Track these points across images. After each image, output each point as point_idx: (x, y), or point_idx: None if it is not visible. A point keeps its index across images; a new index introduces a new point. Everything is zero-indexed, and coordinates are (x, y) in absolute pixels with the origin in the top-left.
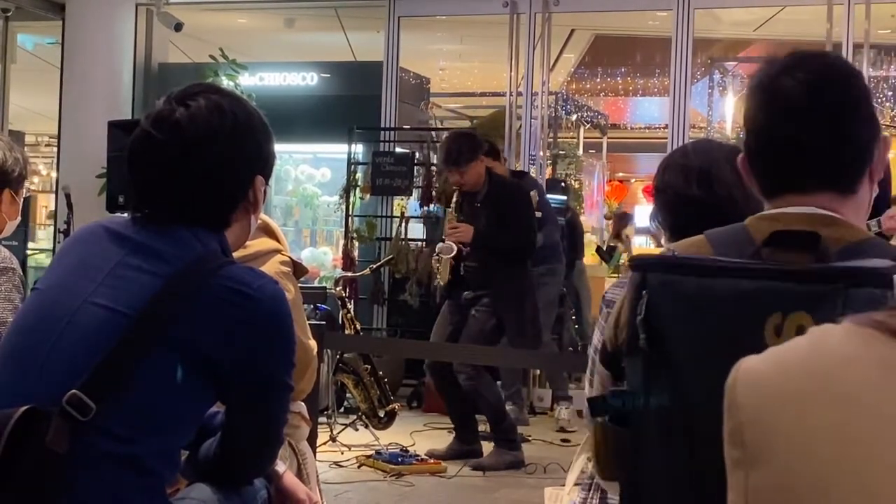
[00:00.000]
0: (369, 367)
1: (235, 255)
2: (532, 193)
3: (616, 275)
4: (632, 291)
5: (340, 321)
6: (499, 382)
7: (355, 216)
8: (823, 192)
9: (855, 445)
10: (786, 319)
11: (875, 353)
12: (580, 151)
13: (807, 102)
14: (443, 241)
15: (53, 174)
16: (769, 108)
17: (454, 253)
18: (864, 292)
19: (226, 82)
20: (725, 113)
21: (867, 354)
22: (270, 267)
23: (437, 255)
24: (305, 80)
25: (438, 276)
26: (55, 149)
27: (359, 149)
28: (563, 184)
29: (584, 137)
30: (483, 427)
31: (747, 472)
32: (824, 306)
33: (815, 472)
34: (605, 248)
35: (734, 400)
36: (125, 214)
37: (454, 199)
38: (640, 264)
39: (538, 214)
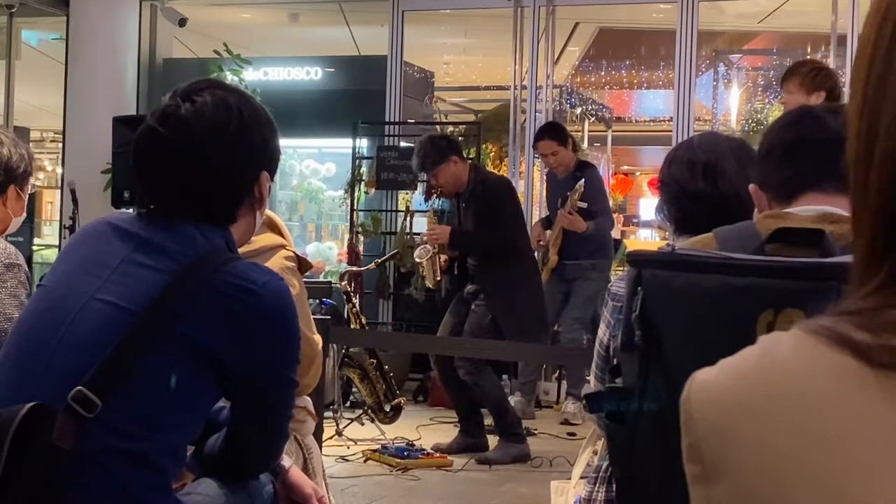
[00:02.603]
0: (375, 361)
1: (240, 250)
2: (578, 184)
3: (621, 268)
4: (629, 287)
5: (346, 316)
6: (504, 377)
7: (360, 211)
8: (844, 196)
9: (817, 448)
10: (778, 316)
11: (826, 360)
12: (585, 145)
13: (838, 127)
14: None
15: (59, 170)
16: (802, 121)
17: (429, 255)
18: None
19: (230, 77)
20: (730, 105)
21: (820, 362)
22: (275, 262)
23: (417, 259)
24: (310, 75)
25: (425, 278)
26: (60, 145)
27: (363, 143)
28: None
29: (589, 131)
30: (489, 421)
31: (707, 487)
32: (817, 302)
33: (778, 478)
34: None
35: (689, 415)
36: (130, 210)
37: (431, 203)
38: (636, 260)
39: (583, 205)
